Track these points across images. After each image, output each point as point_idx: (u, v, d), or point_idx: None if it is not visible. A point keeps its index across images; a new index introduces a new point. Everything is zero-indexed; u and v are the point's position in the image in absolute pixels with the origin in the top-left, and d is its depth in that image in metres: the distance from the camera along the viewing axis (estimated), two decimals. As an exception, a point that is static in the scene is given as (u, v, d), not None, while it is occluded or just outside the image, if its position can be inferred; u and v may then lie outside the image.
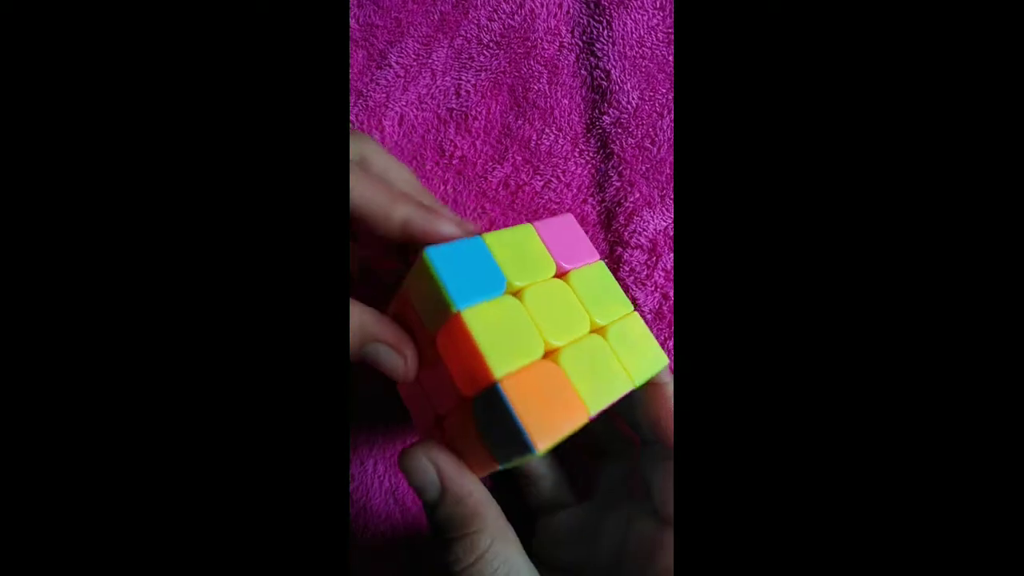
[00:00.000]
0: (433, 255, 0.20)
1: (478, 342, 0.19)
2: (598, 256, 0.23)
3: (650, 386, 0.23)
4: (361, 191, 0.21)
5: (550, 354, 0.20)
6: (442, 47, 0.32)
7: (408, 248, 0.24)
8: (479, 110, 0.32)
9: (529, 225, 0.23)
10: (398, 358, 0.21)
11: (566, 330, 0.21)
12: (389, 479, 0.29)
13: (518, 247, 0.22)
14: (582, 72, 0.32)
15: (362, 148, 0.24)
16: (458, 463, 0.20)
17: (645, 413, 0.23)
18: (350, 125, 0.31)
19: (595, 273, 0.23)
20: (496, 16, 0.32)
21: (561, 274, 0.22)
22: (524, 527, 0.23)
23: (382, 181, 0.22)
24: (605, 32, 0.31)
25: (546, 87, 0.32)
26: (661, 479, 0.22)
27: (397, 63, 0.32)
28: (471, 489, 0.20)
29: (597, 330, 0.22)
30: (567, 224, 0.24)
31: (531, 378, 0.19)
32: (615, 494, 0.25)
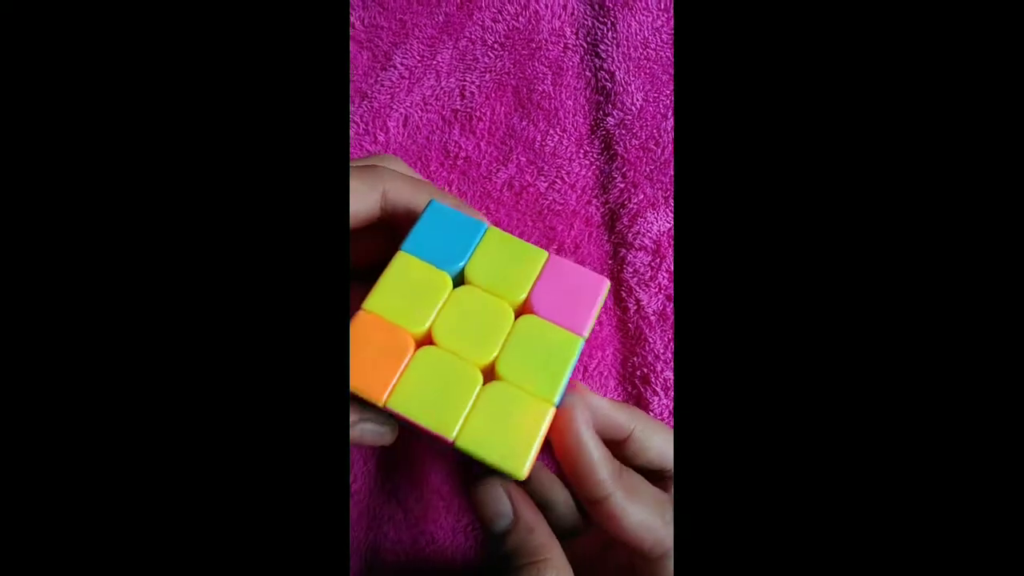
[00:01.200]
0: (434, 206, 0.21)
1: (419, 421, 0.18)
2: (583, 333, 0.20)
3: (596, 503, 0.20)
4: None
5: (488, 370, 0.19)
6: (447, 48, 0.32)
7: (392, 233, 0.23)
8: (483, 111, 0.32)
9: (543, 253, 0.21)
10: (382, 429, 0.21)
11: (491, 340, 0.19)
12: (391, 480, 0.29)
13: (509, 261, 0.21)
14: (586, 73, 0.32)
15: (386, 187, 0.22)
16: (526, 495, 0.21)
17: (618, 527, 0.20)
18: (358, 128, 0.31)
19: (552, 341, 0.20)
20: (500, 17, 0.32)
21: (521, 311, 0.21)
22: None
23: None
24: (609, 34, 0.31)
25: (550, 88, 0.32)
26: (637, 510, 0.20)
27: (402, 64, 0.32)
28: (541, 519, 0.21)
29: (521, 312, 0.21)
30: (589, 284, 0.21)
31: (481, 416, 0.18)
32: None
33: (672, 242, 0.30)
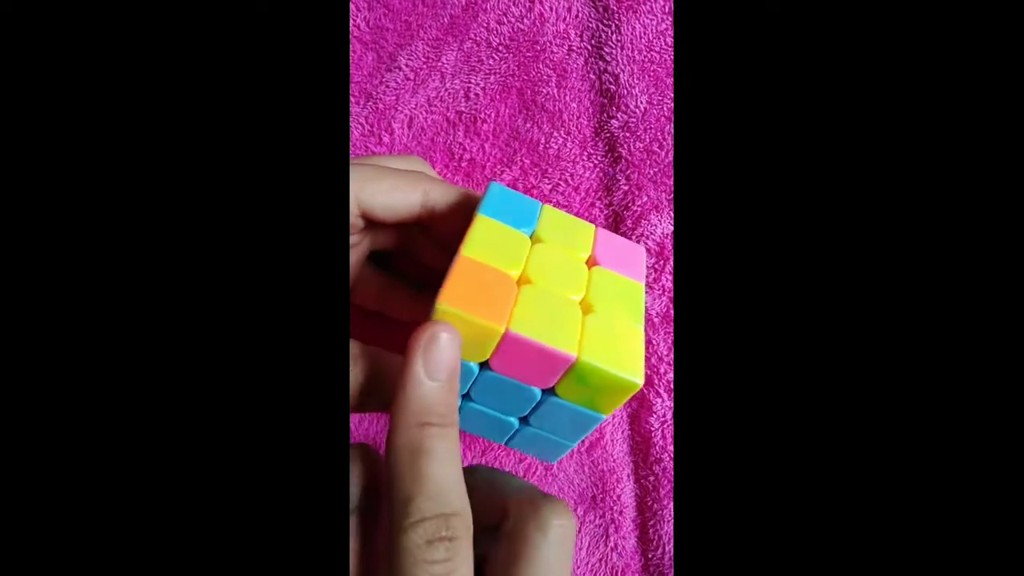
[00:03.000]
0: (495, 186, 0.23)
1: (544, 341, 0.19)
2: (643, 282, 0.23)
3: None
4: (365, 179, 0.22)
5: (585, 309, 0.21)
6: (451, 50, 0.32)
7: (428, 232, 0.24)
8: (488, 113, 0.32)
9: (592, 225, 0.24)
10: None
11: (577, 282, 0.22)
12: (395, 480, 0.29)
13: (567, 228, 0.23)
14: (591, 76, 0.32)
15: (426, 190, 0.24)
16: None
17: None
18: (363, 129, 0.32)
19: (623, 285, 0.23)
20: (505, 19, 0.32)
21: (591, 264, 0.23)
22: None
23: (387, 168, 0.23)
24: (614, 36, 0.31)
25: (555, 90, 0.32)
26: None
27: (407, 66, 0.32)
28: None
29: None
30: (632, 250, 0.24)
31: (593, 338, 0.20)
32: None
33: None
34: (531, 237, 0.23)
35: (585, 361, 0.19)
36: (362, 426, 0.29)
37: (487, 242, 0.21)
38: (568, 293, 0.21)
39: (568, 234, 0.23)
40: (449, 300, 0.19)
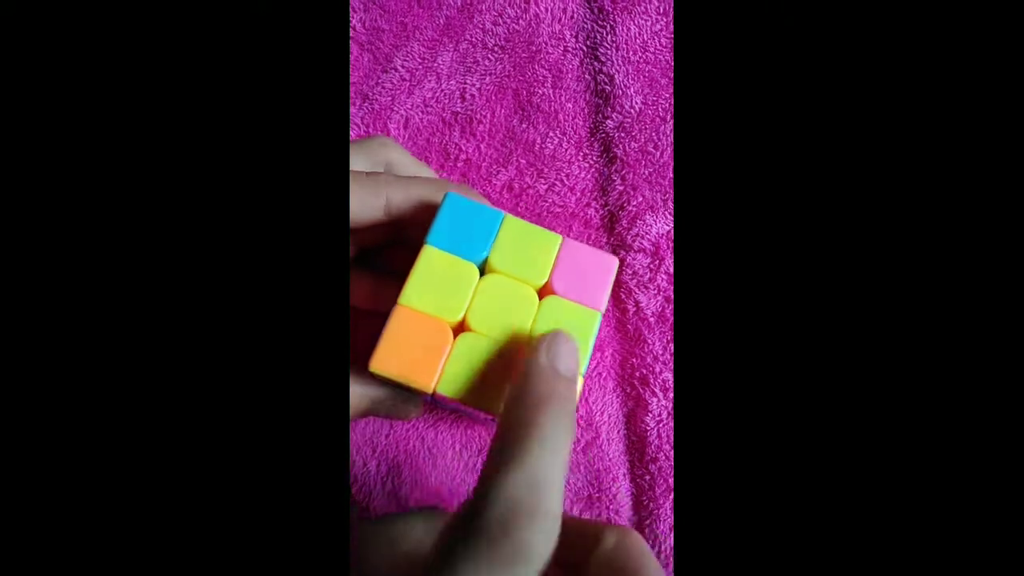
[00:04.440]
0: (451, 198, 0.22)
1: (468, 403, 0.20)
2: (601, 308, 0.22)
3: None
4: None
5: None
6: (447, 51, 0.32)
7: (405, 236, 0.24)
8: (484, 114, 0.32)
9: (558, 237, 0.22)
10: (407, 406, 0.23)
11: (521, 322, 0.21)
12: (391, 481, 0.29)
13: (527, 245, 0.22)
14: (586, 76, 0.32)
15: (388, 154, 0.24)
16: None
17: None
18: (359, 130, 0.32)
19: (578, 316, 0.21)
20: (501, 21, 0.32)
21: (543, 293, 0.22)
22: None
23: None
24: (609, 37, 0.31)
25: (550, 91, 0.32)
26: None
27: (403, 67, 0.32)
28: None
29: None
30: (600, 262, 0.22)
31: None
32: None
33: (671, 244, 0.30)
34: (483, 263, 0.22)
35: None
36: (359, 426, 0.29)
37: (429, 282, 0.21)
38: (509, 340, 0.21)
39: (527, 255, 0.22)
40: (379, 364, 0.20)
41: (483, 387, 0.20)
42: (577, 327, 0.21)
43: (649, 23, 0.32)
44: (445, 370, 0.20)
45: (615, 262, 0.23)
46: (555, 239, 0.22)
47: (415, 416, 0.23)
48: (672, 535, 0.28)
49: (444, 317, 0.21)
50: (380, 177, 0.23)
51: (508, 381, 0.20)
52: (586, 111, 0.32)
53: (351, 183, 0.22)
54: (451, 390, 0.20)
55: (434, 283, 0.21)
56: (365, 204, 0.22)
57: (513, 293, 0.21)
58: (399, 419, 0.23)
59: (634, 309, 0.30)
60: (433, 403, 0.23)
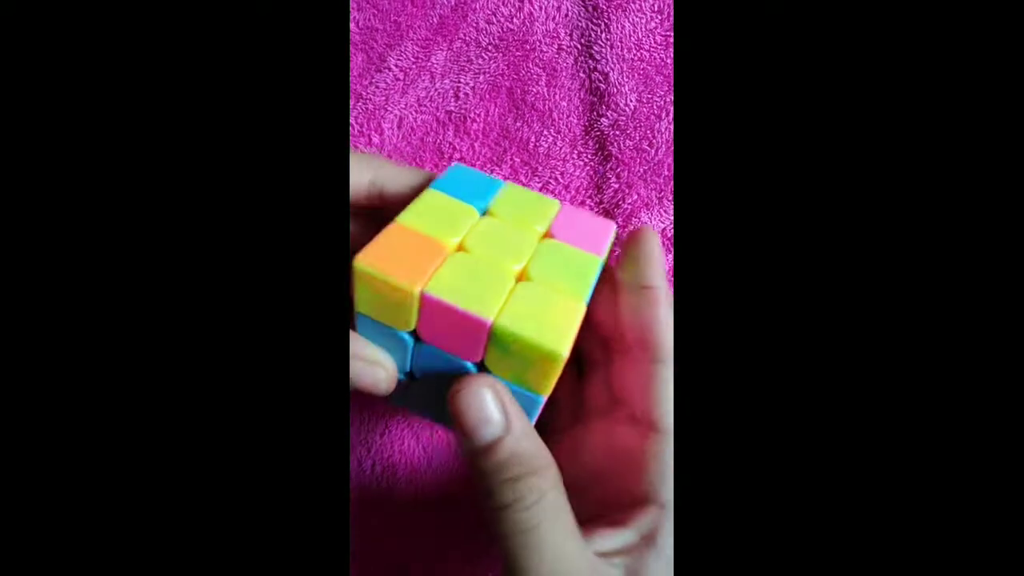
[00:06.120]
0: (457, 166, 0.23)
1: (457, 303, 0.18)
2: (601, 255, 0.22)
3: (643, 289, 0.21)
4: None
5: (520, 278, 0.20)
6: (441, 50, 0.32)
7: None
8: (478, 112, 0.32)
9: (556, 201, 0.23)
10: (378, 371, 0.20)
11: (520, 253, 0.20)
12: (387, 480, 0.29)
13: (527, 205, 0.22)
14: (580, 75, 0.32)
15: (377, 172, 0.24)
16: (515, 400, 0.19)
17: (637, 316, 0.21)
18: (352, 130, 0.32)
19: (575, 258, 0.21)
20: (495, 19, 0.32)
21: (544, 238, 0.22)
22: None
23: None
24: (603, 35, 0.31)
25: (544, 89, 0.32)
26: (640, 384, 0.21)
27: (396, 66, 0.32)
28: (531, 426, 0.19)
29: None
30: (599, 225, 0.22)
31: (518, 304, 0.19)
32: (597, 408, 0.24)
33: (666, 242, 0.30)
34: (483, 212, 0.22)
35: (500, 325, 0.18)
36: (353, 426, 0.29)
37: (428, 213, 0.20)
38: (505, 262, 0.20)
39: (526, 209, 0.22)
40: (366, 259, 0.18)
41: (475, 293, 0.18)
42: (578, 263, 0.21)
43: (644, 21, 0.31)
44: (435, 275, 0.19)
45: (612, 226, 0.23)
46: (554, 202, 0.23)
47: (383, 388, 0.21)
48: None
49: (440, 238, 0.20)
50: (370, 157, 0.22)
51: (502, 293, 0.19)
52: (581, 109, 0.32)
53: None
54: (438, 290, 0.18)
55: (433, 213, 0.20)
56: (351, 177, 0.22)
57: (513, 230, 0.21)
58: (365, 385, 0.20)
59: (629, 307, 0.29)
60: (400, 395, 0.22)
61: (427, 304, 0.18)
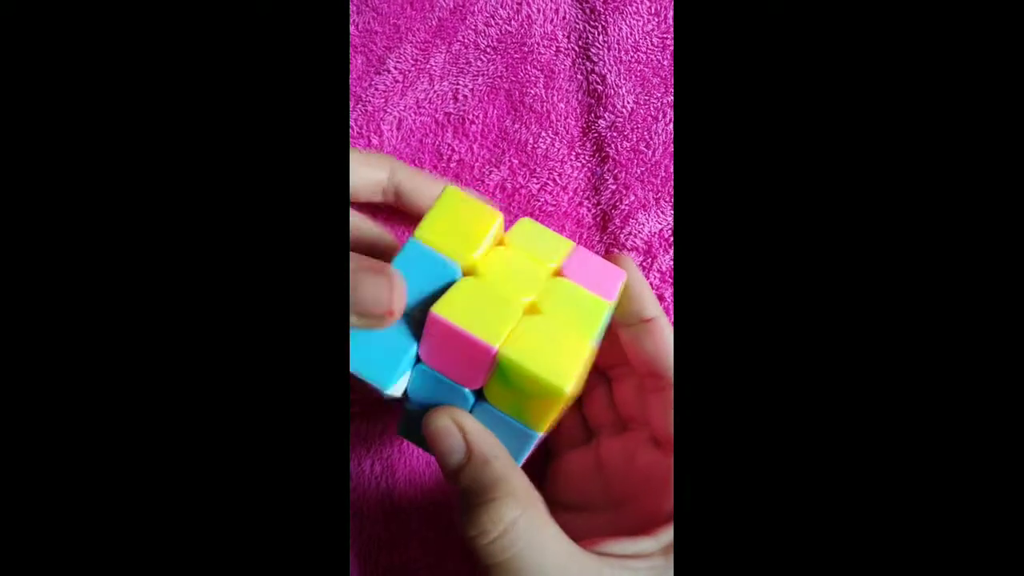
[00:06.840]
0: (450, 190, 0.21)
1: (464, 327, 0.18)
2: (612, 299, 0.22)
3: (643, 323, 0.23)
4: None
5: (529, 310, 0.20)
6: (440, 52, 0.32)
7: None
8: (476, 114, 0.32)
9: (570, 242, 0.23)
10: (381, 282, 0.18)
11: (530, 286, 0.20)
12: (386, 480, 0.29)
13: (541, 240, 0.22)
14: (578, 76, 0.32)
15: (396, 174, 0.25)
16: (484, 427, 0.20)
17: (644, 348, 0.23)
18: (352, 131, 0.32)
19: (585, 299, 0.21)
20: (493, 22, 0.32)
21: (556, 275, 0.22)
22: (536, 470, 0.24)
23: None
24: (601, 37, 0.32)
25: (542, 91, 0.32)
26: (660, 410, 0.22)
27: (395, 68, 0.32)
28: (497, 453, 0.19)
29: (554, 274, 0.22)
30: (610, 272, 0.22)
31: (525, 335, 0.18)
32: (603, 428, 0.25)
33: (663, 243, 0.30)
34: (495, 245, 0.21)
35: (505, 354, 0.18)
36: (352, 426, 0.29)
37: (447, 220, 0.20)
38: (516, 292, 0.19)
39: (539, 244, 0.22)
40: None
41: (483, 320, 0.18)
42: (588, 305, 0.20)
43: (641, 23, 0.32)
44: (445, 297, 0.18)
45: (623, 274, 0.22)
46: (568, 242, 0.22)
47: (385, 301, 0.18)
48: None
49: (456, 258, 0.20)
50: (390, 159, 0.23)
51: (509, 322, 0.18)
52: (578, 111, 0.32)
53: (354, 158, 0.22)
54: (447, 312, 0.18)
55: (453, 222, 0.20)
56: (369, 173, 0.22)
57: (526, 262, 0.21)
58: (362, 299, 0.18)
59: (627, 308, 0.30)
60: (402, 424, 0.22)
61: (432, 324, 0.18)
